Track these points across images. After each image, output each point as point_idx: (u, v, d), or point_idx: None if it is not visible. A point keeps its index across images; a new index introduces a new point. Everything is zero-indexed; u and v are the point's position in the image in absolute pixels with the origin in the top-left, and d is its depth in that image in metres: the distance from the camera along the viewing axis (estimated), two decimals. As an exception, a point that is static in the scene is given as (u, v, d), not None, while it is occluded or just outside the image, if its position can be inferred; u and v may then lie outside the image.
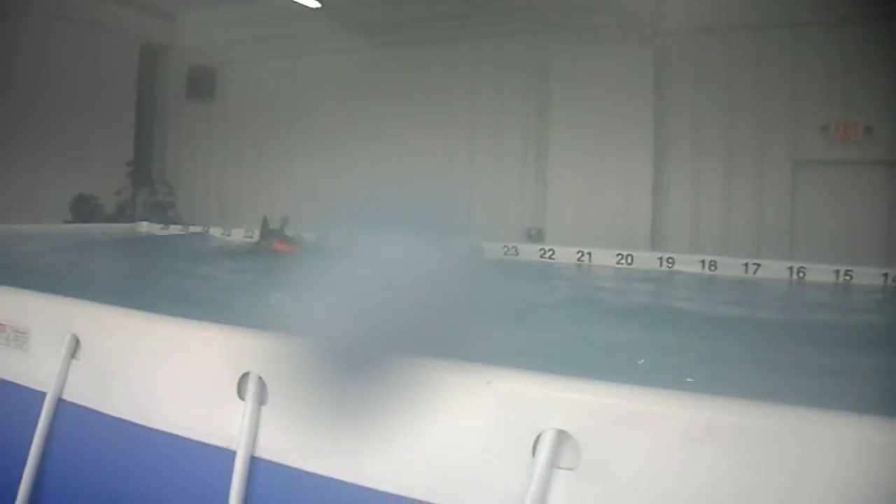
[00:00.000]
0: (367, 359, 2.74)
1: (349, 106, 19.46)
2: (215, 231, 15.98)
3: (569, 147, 17.04)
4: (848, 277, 11.86)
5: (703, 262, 12.48)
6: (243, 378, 3.19)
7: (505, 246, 13.66)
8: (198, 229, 16.55)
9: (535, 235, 16.85)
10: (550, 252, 13.55)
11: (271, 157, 21.41)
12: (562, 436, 2.54)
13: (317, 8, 18.44)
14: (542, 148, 17.66)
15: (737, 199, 16.42)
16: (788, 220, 16.10)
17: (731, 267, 12.44)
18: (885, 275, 12.13)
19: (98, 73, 20.45)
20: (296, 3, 18.09)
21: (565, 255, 13.42)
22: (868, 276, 11.82)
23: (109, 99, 20.88)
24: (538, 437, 2.56)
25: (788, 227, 16.03)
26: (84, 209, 20.13)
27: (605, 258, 13.05)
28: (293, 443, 3.07)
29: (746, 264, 12.17)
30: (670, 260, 12.59)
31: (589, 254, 13.14)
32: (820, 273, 12.10)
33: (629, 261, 12.85)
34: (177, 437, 3.35)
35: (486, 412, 2.69)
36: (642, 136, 16.72)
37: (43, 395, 3.73)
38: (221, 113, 22.56)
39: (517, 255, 13.65)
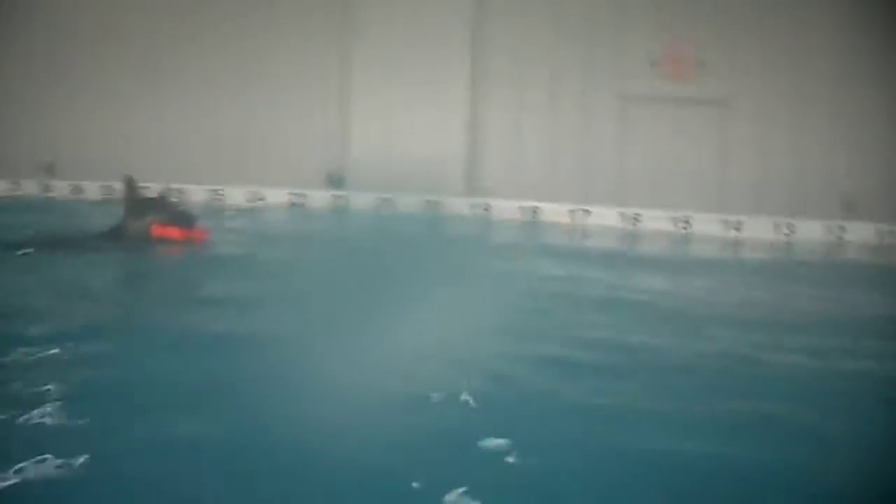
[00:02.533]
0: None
1: (128, 37, 16.19)
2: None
3: (374, 82, 14.65)
4: (686, 224, 10.37)
5: (522, 208, 10.64)
6: None
7: (291, 193, 11.39)
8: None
9: (337, 180, 14.50)
10: (344, 198, 11.38)
11: (33, 91, 17.79)
12: None
13: None
14: (345, 85, 15.17)
15: (562, 137, 14.64)
16: (618, 160, 14.49)
17: (557, 214, 10.68)
18: (725, 222, 10.82)
19: None
20: None
21: (363, 201, 11.29)
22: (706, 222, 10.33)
23: None
24: None
25: (618, 168, 14.44)
26: None
27: (408, 205, 10.96)
28: None
29: (573, 211, 10.41)
30: (486, 207, 10.68)
31: (389, 199, 11.06)
32: (656, 221, 10.57)
33: (436, 207, 10.84)
34: None
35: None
36: (458, 70, 14.63)
37: None
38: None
39: (304, 201, 11.38)
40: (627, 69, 14.60)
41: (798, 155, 14.14)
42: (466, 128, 14.56)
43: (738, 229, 11.06)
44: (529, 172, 14.10)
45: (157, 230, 7.37)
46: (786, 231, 11.37)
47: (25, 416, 3.08)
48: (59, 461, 2.64)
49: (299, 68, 15.12)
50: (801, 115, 14.17)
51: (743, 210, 12.40)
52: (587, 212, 10.33)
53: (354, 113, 14.77)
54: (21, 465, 2.59)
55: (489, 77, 14.81)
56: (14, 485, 2.51)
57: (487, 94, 14.76)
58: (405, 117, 14.30)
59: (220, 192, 12.17)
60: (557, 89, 14.71)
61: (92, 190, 12.71)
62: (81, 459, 2.66)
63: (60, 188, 13.57)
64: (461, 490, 2.61)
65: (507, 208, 11.00)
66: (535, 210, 10.70)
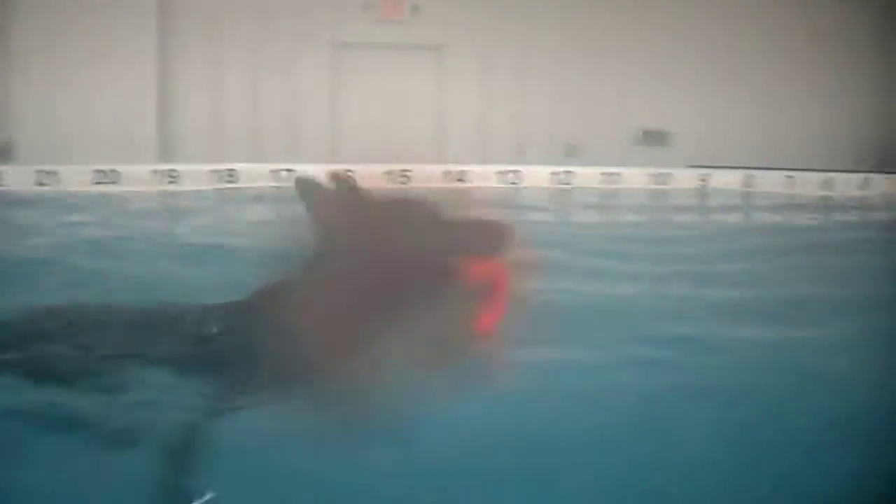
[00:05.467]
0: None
1: None
2: None
3: (41, 35, 12.24)
4: (405, 178, 9.34)
5: (216, 171, 9.18)
6: None
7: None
8: None
9: (3, 150, 12.11)
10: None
11: None
12: None
13: None
14: (4, 40, 12.60)
15: (267, 91, 13.14)
16: (327, 113, 13.25)
17: (258, 177, 9.32)
18: (445, 172, 9.93)
19: None
20: None
21: (21, 176, 9.31)
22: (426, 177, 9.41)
23: None
24: None
25: (328, 122, 13.21)
26: None
27: (73, 176, 9.13)
28: None
29: (275, 171, 9.07)
30: (173, 174, 9.09)
31: (55, 173, 9.16)
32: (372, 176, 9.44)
33: (112, 179, 9.10)
34: None
35: None
36: (142, 21, 12.54)
37: None
38: None
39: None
40: (339, 14, 13.43)
41: (521, 101, 13.79)
42: (156, 85, 12.64)
43: (461, 180, 10.22)
44: (231, 132, 12.54)
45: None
46: (512, 180, 10.77)
47: None
48: None
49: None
50: (523, 62, 13.80)
51: (466, 160, 11.68)
52: (291, 171, 8.98)
53: (16, 75, 12.37)
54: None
55: (181, 28, 12.98)
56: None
57: (180, 48, 12.94)
58: (82, 76, 12.20)
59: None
60: (262, 38, 13.20)
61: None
62: None
63: None
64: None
65: (201, 175, 9.43)
66: (231, 173, 9.24)
